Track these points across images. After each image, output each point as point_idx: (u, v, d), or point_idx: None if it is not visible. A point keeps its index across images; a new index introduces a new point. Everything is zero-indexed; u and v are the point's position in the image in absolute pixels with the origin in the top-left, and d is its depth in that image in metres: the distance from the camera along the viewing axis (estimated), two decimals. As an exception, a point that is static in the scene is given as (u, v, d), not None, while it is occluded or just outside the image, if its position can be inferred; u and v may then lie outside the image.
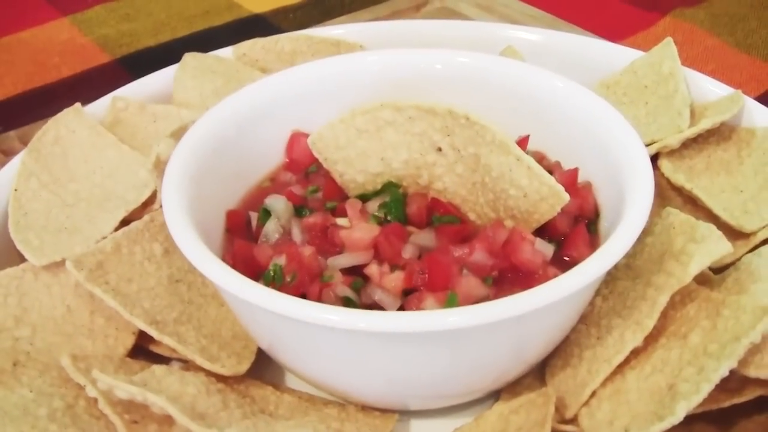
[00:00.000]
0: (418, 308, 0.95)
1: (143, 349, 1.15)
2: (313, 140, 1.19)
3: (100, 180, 1.31)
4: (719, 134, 1.36)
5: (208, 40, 2.11)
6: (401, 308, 0.99)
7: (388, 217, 1.09)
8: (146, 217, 1.21)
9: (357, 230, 1.03)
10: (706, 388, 0.90)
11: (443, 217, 1.10)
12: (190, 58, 1.52)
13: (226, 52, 1.59)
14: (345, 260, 1.02)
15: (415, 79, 1.23)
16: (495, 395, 1.10)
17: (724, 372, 0.90)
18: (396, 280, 0.99)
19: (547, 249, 1.04)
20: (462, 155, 1.11)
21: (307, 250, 1.02)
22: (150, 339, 1.14)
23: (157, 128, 1.40)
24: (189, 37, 2.12)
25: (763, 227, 1.18)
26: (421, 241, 1.05)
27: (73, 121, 1.37)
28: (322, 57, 1.55)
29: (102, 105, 1.45)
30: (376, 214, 1.09)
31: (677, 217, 1.09)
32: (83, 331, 1.14)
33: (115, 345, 1.12)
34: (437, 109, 1.10)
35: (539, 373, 1.09)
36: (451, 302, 0.95)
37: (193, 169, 1.11)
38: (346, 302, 0.99)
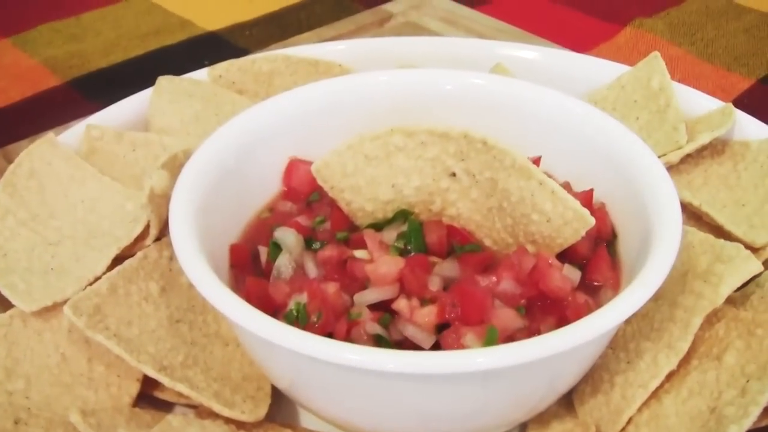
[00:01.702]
0: (459, 344, 0.91)
1: (145, 395, 1.09)
2: (317, 168, 1.13)
3: (83, 215, 1.23)
4: (712, 148, 1.36)
5: (162, 60, 2.04)
6: (436, 343, 0.94)
7: (409, 248, 1.05)
8: (139, 254, 1.14)
9: (383, 264, 0.99)
10: (755, 411, 0.89)
11: (465, 246, 1.06)
12: (165, 82, 1.45)
13: (200, 74, 1.52)
14: (372, 295, 0.97)
15: (422, 101, 1.19)
16: (520, 427, 1.07)
17: (772, 394, 0.89)
18: (429, 315, 0.94)
19: (574, 275, 1.02)
20: (477, 180, 1.08)
21: (332, 287, 0.97)
22: (154, 384, 1.07)
23: (137, 157, 1.33)
24: (142, 57, 2.04)
25: (771, 241, 1.18)
26: (445, 272, 1.01)
27: (48, 153, 1.29)
28: (301, 77, 1.51)
29: (74, 134, 1.37)
30: (396, 245, 1.05)
31: (695, 235, 1.09)
32: (82, 380, 1.06)
33: (119, 394, 1.05)
34: (451, 133, 1.07)
35: (565, 400, 1.06)
36: (491, 336, 0.91)
37: (197, 202, 1.05)
38: (377, 340, 0.94)
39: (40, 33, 2.14)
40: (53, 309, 1.09)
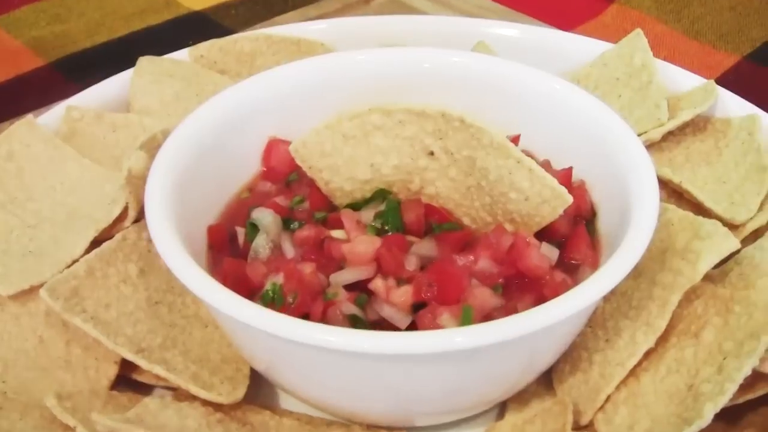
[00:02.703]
0: (434, 324, 0.91)
1: (124, 378, 1.08)
2: (295, 147, 1.13)
3: (62, 197, 1.23)
4: (694, 125, 1.36)
5: (147, 40, 2.02)
6: (412, 323, 0.94)
7: (386, 227, 1.04)
8: (118, 236, 1.13)
9: (359, 243, 0.98)
10: (731, 388, 0.89)
11: (443, 225, 1.05)
12: (145, 62, 1.44)
13: (181, 55, 1.51)
14: (349, 275, 0.97)
15: (402, 79, 1.18)
16: (500, 406, 1.07)
17: (747, 371, 0.89)
18: (404, 294, 0.94)
19: (552, 253, 1.02)
20: (455, 158, 1.07)
21: (308, 267, 0.97)
22: (132, 367, 1.07)
23: (118, 138, 1.32)
24: (127, 37, 2.02)
25: (751, 218, 1.17)
26: (422, 251, 1.01)
27: (27, 135, 1.28)
28: (284, 57, 1.50)
29: (55, 115, 1.36)
30: (373, 224, 1.04)
31: (675, 213, 1.08)
32: (60, 363, 1.06)
33: (96, 377, 1.05)
34: (429, 111, 1.06)
35: (544, 379, 1.06)
36: (466, 315, 0.91)
37: (174, 183, 1.04)
38: (353, 320, 0.94)
39: (24, 14, 2.11)
40: (30, 292, 1.08)
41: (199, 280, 0.91)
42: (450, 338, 0.85)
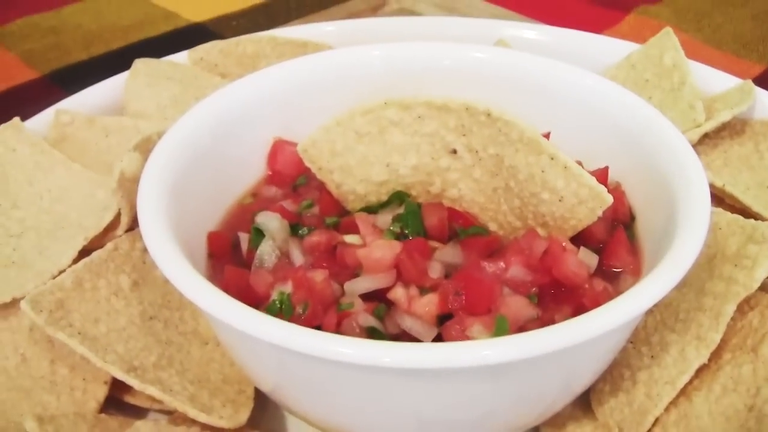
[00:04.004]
0: (463, 336, 0.81)
1: (115, 400, 0.98)
2: (303, 147, 1.03)
3: (49, 205, 1.13)
4: (731, 128, 1.27)
5: (145, 52, 1.93)
6: (437, 337, 0.84)
7: (406, 232, 0.94)
8: (109, 246, 1.04)
9: (377, 248, 0.88)
10: (802, 408, 0.78)
11: (468, 229, 0.95)
12: (141, 65, 1.35)
13: (180, 57, 1.42)
14: (365, 284, 0.87)
15: (419, 75, 1.09)
16: (533, 430, 0.97)
17: (819, 387, 0.79)
18: (429, 304, 0.84)
19: (591, 259, 0.92)
20: (481, 157, 0.98)
21: (319, 275, 0.87)
22: (124, 388, 0.97)
23: (110, 143, 1.23)
24: (124, 50, 1.95)
25: (801, 225, 1.07)
26: (447, 257, 0.91)
27: (12, 138, 1.19)
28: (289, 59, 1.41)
29: (43, 120, 1.27)
30: (392, 228, 0.94)
31: (723, 216, 0.99)
32: (44, 384, 0.96)
33: (84, 399, 0.95)
34: (451, 105, 0.96)
35: (582, 400, 0.96)
36: (500, 327, 0.81)
37: (169, 185, 0.94)
38: (371, 333, 0.84)
39: (19, 27, 2.06)
40: (13, 306, 0.99)
41: (197, 287, 0.81)
42: (478, 351, 0.75)
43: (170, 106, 1.28)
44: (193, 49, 1.43)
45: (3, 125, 1.20)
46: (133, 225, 1.08)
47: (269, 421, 0.99)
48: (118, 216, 1.07)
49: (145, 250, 1.05)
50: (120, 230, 1.07)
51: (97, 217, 1.07)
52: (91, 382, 0.96)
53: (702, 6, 2.05)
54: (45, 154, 1.18)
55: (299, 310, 0.85)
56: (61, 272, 1.00)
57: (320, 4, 2.09)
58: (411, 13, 1.94)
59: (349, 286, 0.87)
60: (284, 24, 1.97)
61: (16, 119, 1.22)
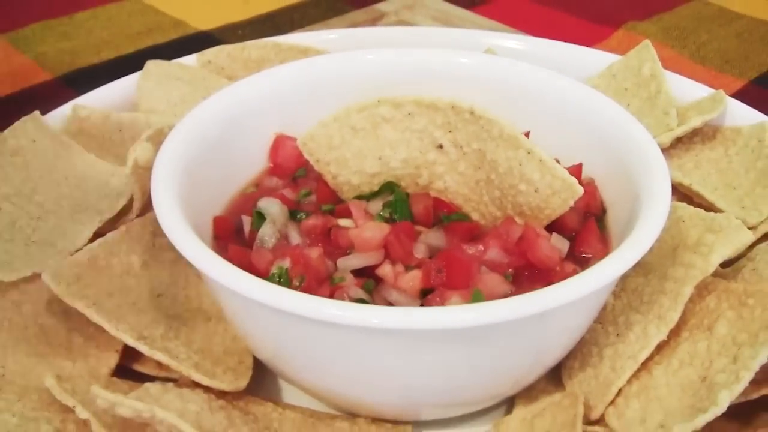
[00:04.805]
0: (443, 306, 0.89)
1: (124, 368, 1.06)
2: (303, 141, 1.12)
3: (68, 191, 1.22)
4: (703, 134, 1.36)
5: (154, 58, 2.03)
6: (420, 309, 0.92)
7: (395, 217, 1.03)
8: (122, 228, 1.13)
9: (367, 229, 0.97)
10: (747, 376, 0.86)
11: (452, 215, 1.04)
12: (152, 66, 1.44)
13: (189, 60, 1.51)
14: (356, 261, 0.96)
15: (410, 78, 1.18)
16: (507, 402, 1.05)
17: (762, 359, 0.87)
18: (413, 279, 0.93)
19: (563, 245, 1.00)
20: (465, 152, 1.07)
21: (315, 252, 0.96)
22: (133, 358, 1.05)
23: (124, 137, 1.32)
24: (134, 55, 2.03)
25: (762, 221, 1.16)
26: (431, 240, 0.99)
27: (33, 130, 1.28)
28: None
29: (61, 114, 1.36)
30: (382, 213, 1.03)
31: (686, 210, 1.07)
32: (60, 351, 1.04)
33: (97, 365, 1.03)
34: (439, 104, 1.05)
35: (553, 376, 1.04)
36: (476, 299, 0.89)
37: (180, 172, 1.03)
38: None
39: (33, 31, 2.13)
40: (32, 280, 1.07)
41: (206, 258, 0.89)
42: (459, 314, 0.82)
43: (180, 104, 1.37)
44: (201, 52, 1.52)
45: (24, 118, 1.29)
46: (144, 210, 1.17)
47: (266, 392, 1.06)
48: (130, 202, 1.16)
49: (155, 233, 1.15)
50: (132, 215, 1.15)
51: (112, 202, 1.16)
52: (104, 350, 1.04)
53: (688, 23, 2.14)
54: (63, 144, 1.27)
55: (296, 282, 0.93)
56: (77, 251, 1.08)
57: (323, 16, 2.18)
58: (408, 24, 2.03)
59: (341, 262, 0.96)
60: (288, 33, 2.05)
61: (36, 113, 1.31)
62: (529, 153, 1.00)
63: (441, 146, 1.08)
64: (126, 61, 1.98)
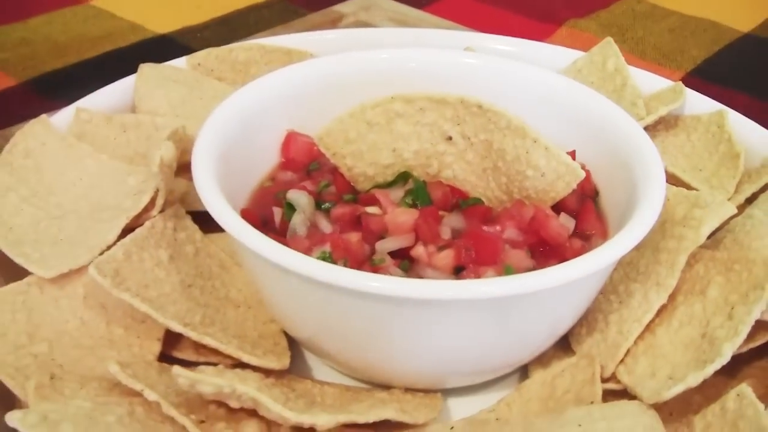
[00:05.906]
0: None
1: (163, 356, 1.11)
2: (320, 136, 1.20)
3: (83, 191, 1.26)
4: (666, 123, 1.49)
5: (119, 61, 2.05)
6: (455, 287, 1.01)
7: (417, 203, 1.12)
8: (147, 224, 1.17)
9: (400, 214, 1.06)
10: (744, 330, 0.98)
11: (468, 200, 1.14)
12: (147, 69, 1.49)
13: (179, 63, 1.56)
14: (393, 243, 1.04)
15: (418, 75, 1.27)
16: (520, 371, 1.15)
17: (756, 314, 1.00)
18: (446, 257, 1.02)
19: (570, 222, 1.11)
20: (472, 142, 1.16)
21: (354, 236, 1.04)
22: (171, 345, 1.11)
23: (128, 138, 1.36)
24: (97, 59, 2.05)
25: (730, 198, 1.30)
26: (453, 223, 1.09)
27: (42, 133, 1.31)
28: (276, 66, 1.56)
29: (63, 117, 1.39)
30: (406, 200, 1.12)
31: (670, 189, 1.19)
32: (103, 342, 1.08)
33: (141, 354, 1.08)
34: (448, 99, 1.15)
35: (562, 344, 1.15)
36: (509, 273, 0.99)
37: (212, 169, 1.09)
38: (399, 284, 1.01)
39: (-11, 37, 2.12)
40: (68, 277, 1.11)
41: (260, 240, 0.95)
42: (508, 283, 0.92)
43: (180, 105, 1.42)
44: (191, 55, 1.57)
45: (32, 121, 1.32)
46: (163, 207, 1.22)
47: (299, 372, 1.14)
48: (152, 198, 1.21)
49: (175, 228, 1.21)
50: (155, 211, 1.20)
51: (134, 199, 1.20)
52: (146, 339, 1.09)
53: (624, 21, 2.29)
54: (72, 146, 1.31)
55: (341, 264, 1.01)
56: (109, 247, 1.13)
57: (280, 19, 2.23)
58: (367, 25, 2.11)
59: (380, 245, 1.04)
60: (247, 36, 2.10)
61: (44, 116, 1.34)
62: (535, 141, 1.11)
63: (450, 138, 1.17)
64: (90, 65, 2.00)
